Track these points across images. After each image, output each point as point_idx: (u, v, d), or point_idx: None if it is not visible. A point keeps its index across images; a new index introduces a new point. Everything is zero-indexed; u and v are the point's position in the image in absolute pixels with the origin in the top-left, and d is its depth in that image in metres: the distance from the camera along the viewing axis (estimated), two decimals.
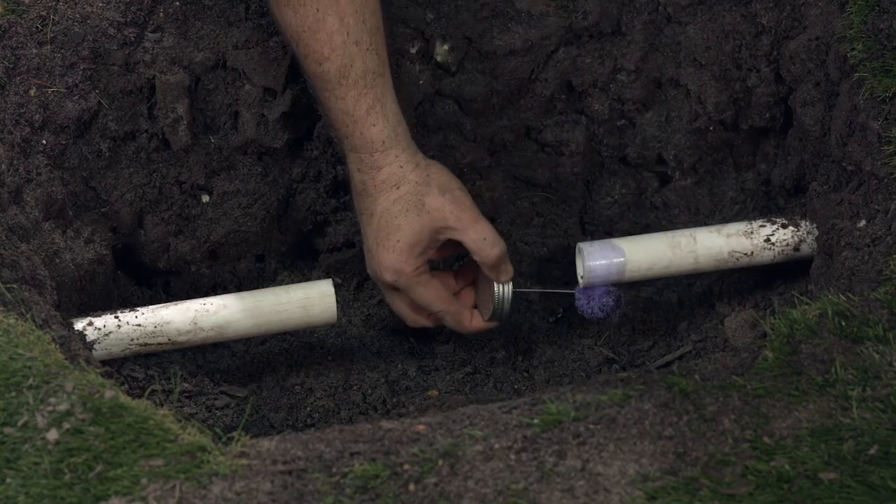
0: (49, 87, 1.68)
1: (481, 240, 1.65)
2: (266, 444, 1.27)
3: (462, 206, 1.66)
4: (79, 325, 1.63)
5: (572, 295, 1.73)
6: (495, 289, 1.69)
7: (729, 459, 1.23)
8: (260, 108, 1.79)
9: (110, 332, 1.64)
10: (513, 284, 1.70)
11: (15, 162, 1.64)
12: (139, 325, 1.65)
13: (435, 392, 1.75)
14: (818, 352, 1.33)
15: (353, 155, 1.64)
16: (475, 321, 1.73)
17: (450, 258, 1.82)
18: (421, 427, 1.28)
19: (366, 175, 1.64)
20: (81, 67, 1.69)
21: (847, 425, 1.26)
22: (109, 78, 1.72)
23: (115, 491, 1.21)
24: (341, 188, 1.87)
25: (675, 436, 1.26)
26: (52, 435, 1.26)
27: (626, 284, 1.82)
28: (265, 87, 1.78)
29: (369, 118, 1.61)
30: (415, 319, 1.72)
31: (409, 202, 1.64)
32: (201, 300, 1.68)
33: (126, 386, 1.62)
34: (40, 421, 1.27)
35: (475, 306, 1.75)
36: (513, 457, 1.24)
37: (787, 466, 1.22)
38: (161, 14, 1.73)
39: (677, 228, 1.82)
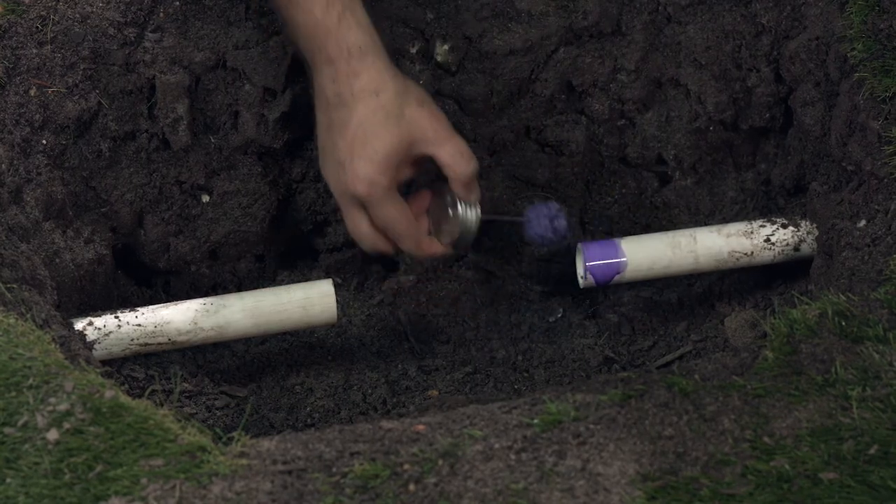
0: (49, 87, 1.68)
1: (458, 154, 1.61)
2: (266, 444, 1.27)
3: (439, 120, 1.62)
4: (79, 325, 1.63)
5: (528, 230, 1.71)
6: (460, 210, 1.64)
7: (729, 459, 1.23)
8: (260, 108, 1.79)
9: (110, 332, 1.64)
10: (480, 211, 1.65)
11: (15, 162, 1.65)
12: (139, 324, 1.65)
13: (435, 392, 1.75)
14: (818, 352, 1.33)
15: (326, 68, 1.59)
16: (433, 245, 1.68)
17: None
18: (421, 427, 1.28)
19: (342, 85, 1.59)
20: (81, 67, 1.69)
21: (847, 425, 1.26)
22: (109, 78, 1.72)
23: (115, 491, 1.21)
24: None
25: (675, 436, 1.26)
26: (52, 435, 1.26)
27: (626, 284, 1.83)
28: (265, 87, 1.78)
29: (342, 25, 1.57)
30: (374, 242, 1.66)
31: (389, 111, 1.59)
32: (201, 300, 1.68)
33: (126, 386, 1.62)
34: (40, 421, 1.27)
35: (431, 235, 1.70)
36: (513, 457, 1.24)
37: (787, 466, 1.22)
38: (161, 14, 1.73)
39: (677, 228, 1.82)
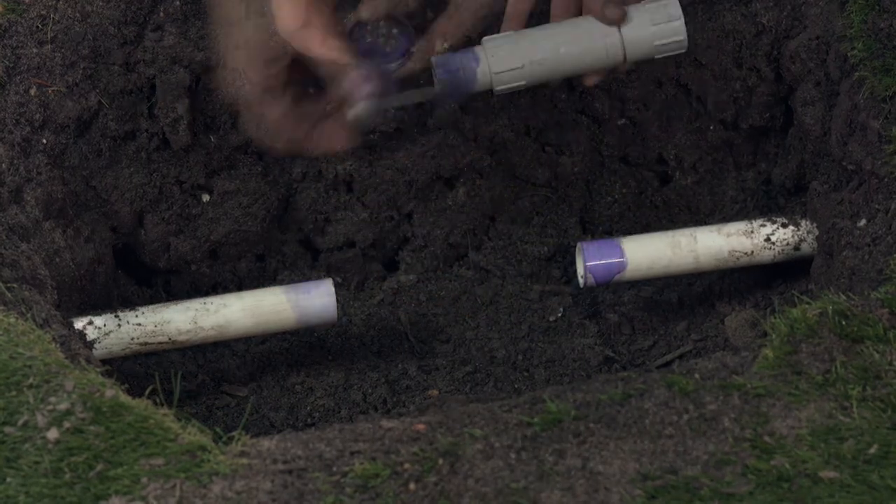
0: (49, 87, 1.68)
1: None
2: (266, 443, 1.27)
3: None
4: (79, 324, 1.63)
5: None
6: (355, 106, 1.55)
7: (729, 459, 1.23)
8: None
9: (110, 332, 1.64)
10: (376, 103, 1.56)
11: (15, 161, 1.64)
12: (139, 324, 1.65)
13: (435, 391, 1.75)
14: (818, 351, 1.33)
15: None
16: (329, 140, 1.57)
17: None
18: (421, 426, 1.28)
19: None
20: (82, 66, 1.69)
21: (847, 424, 1.26)
22: (110, 77, 1.72)
23: (116, 490, 1.22)
24: (342, 188, 1.87)
25: (675, 435, 1.26)
26: (53, 434, 1.26)
27: (626, 283, 1.83)
28: None
29: None
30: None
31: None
32: (202, 299, 1.68)
33: (126, 385, 1.62)
34: (40, 420, 1.27)
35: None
36: (513, 456, 1.24)
37: (787, 466, 1.22)
38: (161, 13, 1.73)
39: (677, 228, 1.82)
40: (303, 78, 1.57)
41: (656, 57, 1.67)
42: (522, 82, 1.67)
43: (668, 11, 1.65)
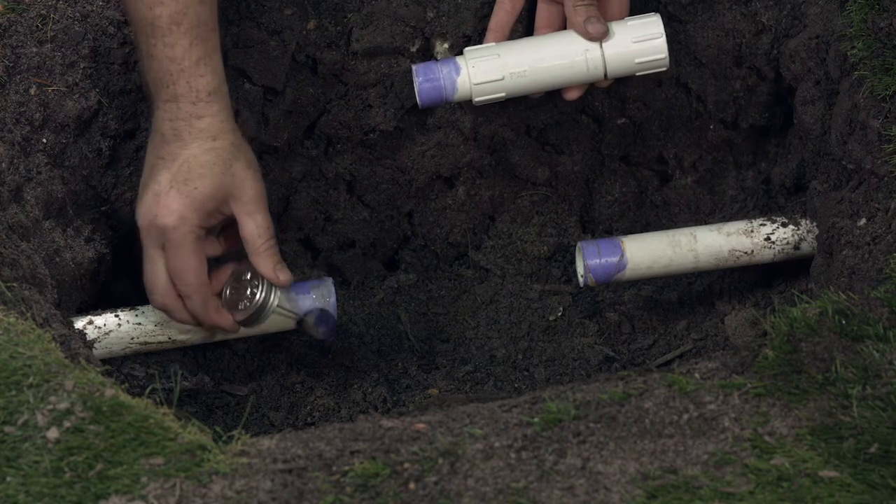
0: (49, 86, 1.68)
1: (264, 229, 1.61)
2: (266, 442, 1.27)
3: (260, 190, 1.62)
4: (79, 323, 1.63)
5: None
6: (259, 291, 1.63)
7: (729, 458, 1.23)
8: (261, 106, 1.79)
9: (110, 331, 1.65)
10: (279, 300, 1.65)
11: (15, 160, 1.64)
12: (139, 323, 1.66)
13: (435, 391, 1.75)
14: (818, 350, 1.33)
15: (170, 104, 1.59)
16: (223, 316, 1.65)
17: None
18: (421, 426, 1.28)
19: (181, 123, 1.59)
20: (81, 66, 1.69)
21: (847, 424, 1.26)
22: (109, 76, 1.72)
23: (116, 489, 1.22)
24: (342, 187, 1.87)
25: (675, 434, 1.26)
26: (53, 433, 1.26)
27: (626, 282, 1.83)
28: (266, 85, 1.78)
29: (198, 69, 1.58)
30: (164, 295, 1.62)
31: (219, 157, 1.59)
32: None
33: (126, 385, 1.62)
34: (40, 419, 1.27)
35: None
36: (513, 455, 1.24)
37: (787, 465, 1.22)
38: None
39: (678, 227, 1.82)
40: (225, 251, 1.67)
41: (637, 74, 1.70)
42: (502, 94, 1.70)
43: (650, 29, 1.68)
